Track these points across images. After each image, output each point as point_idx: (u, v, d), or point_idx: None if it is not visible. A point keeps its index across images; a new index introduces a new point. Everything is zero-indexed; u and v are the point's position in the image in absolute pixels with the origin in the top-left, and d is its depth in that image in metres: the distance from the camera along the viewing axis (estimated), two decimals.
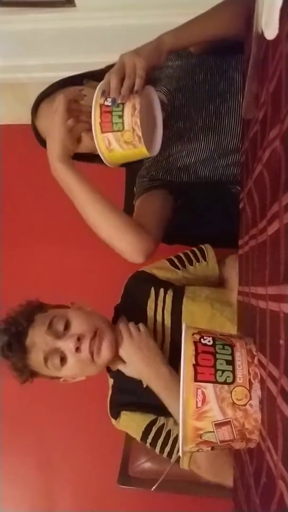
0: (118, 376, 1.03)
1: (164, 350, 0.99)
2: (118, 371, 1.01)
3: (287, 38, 0.47)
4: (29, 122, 1.04)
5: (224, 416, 0.51)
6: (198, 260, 1.10)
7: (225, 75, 0.98)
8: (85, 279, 1.68)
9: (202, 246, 1.12)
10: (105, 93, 0.82)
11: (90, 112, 0.82)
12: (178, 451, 0.91)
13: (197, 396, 0.51)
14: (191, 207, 1.15)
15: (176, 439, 0.94)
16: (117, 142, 0.82)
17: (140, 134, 0.80)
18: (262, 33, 0.57)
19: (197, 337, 0.56)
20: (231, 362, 0.52)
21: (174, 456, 0.94)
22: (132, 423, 1.00)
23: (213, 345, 0.54)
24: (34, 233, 2.04)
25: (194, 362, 0.52)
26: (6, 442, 1.95)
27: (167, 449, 0.95)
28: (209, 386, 0.51)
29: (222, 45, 1.03)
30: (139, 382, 0.99)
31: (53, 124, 0.86)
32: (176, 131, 1.01)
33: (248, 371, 0.52)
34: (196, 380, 0.51)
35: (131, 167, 1.15)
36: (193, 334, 0.57)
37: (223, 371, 0.52)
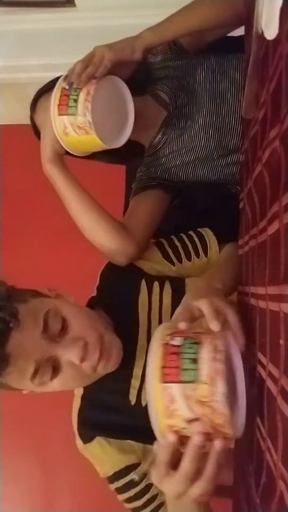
0: (95, 386, 0.81)
1: None
2: (96, 380, 0.80)
3: (287, 38, 0.47)
4: (29, 122, 1.04)
5: (193, 414, 0.51)
6: (198, 256, 0.97)
7: (226, 74, 0.98)
8: (81, 276, 1.68)
9: (204, 235, 0.99)
10: (67, 77, 0.85)
11: None
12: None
13: (165, 396, 0.51)
14: (191, 207, 1.15)
15: (153, 497, 0.79)
16: (71, 126, 0.83)
17: (90, 120, 0.81)
18: (262, 33, 0.57)
19: (168, 338, 0.56)
20: (195, 361, 0.52)
21: None
22: (103, 456, 0.83)
23: (181, 345, 0.54)
24: (33, 232, 2.04)
25: (161, 364, 0.53)
26: (7, 442, 1.95)
27: (137, 503, 0.80)
28: (175, 386, 0.51)
29: (222, 44, 1.03)
30: (127, 397, 0.83)
31: (46, 123, 0.86)
32: (177, 130, 1.01)
33: (211, 368, 0.51)
34: (163, 381, 0.52)
35: (132, 165, 1.15)
36: (166, 335, 0.57)
37: (187, 370, 0.52)
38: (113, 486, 0.83)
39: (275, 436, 0.48)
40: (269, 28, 0.54)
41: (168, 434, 0.52)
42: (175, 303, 0.87)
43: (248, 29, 0.77)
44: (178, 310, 0.65)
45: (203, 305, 0.60)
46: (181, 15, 0.89)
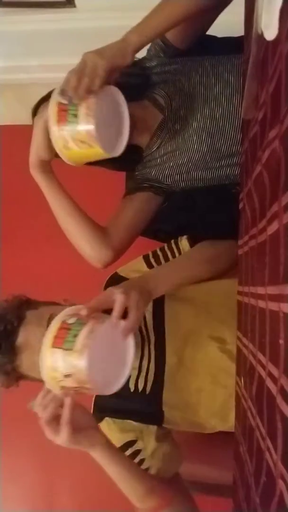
0: None
1: (150, 352, 0.97)
2: None
3: (287, 38, 0.48)
4: (30, 123, 1.04)
5: (68, 371, 0.72)
6: (173, 254, 1.07)
7: (220, 78, 0.98)
8: (82, 278, 1.68)
9: (178, 241, 1.08)
10: (63, 92, 0.83)
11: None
12: None
13: (52, 357, 0.73)
14: (192, 207, 1.16)
15: (146, 470, 0.92)
16: (73, 141, 0.82)
17: (94, 134, 0.81)
18: (262, 34, 0.57)
19: (67, 317, 0.76)
20: (76, 336, 0.72)
21: None
22: (110, 433, 0.96)
23: (73, 323, 0.75)
24: (34, 233, 2.04)
25: (54, 335, 0.74)
26: (6, 442, 1.95)
27: None
28: (58, 350, 0.73)
29: (217, 46, 1.03)
30: (127, 384, 0.96)
31: (34, 130, 0.88)
32: (172, 133, 1.02)
33: (83, 340, 0.72)
34: (51, 346, 0.73)
35: (132, 170, 1.15)
36: (67, 315, 0.77)
37: (69, 341, 0.72)
38: None
39: (274, 436, 0.48)
40: (269, 28, 0.54)
41: (55, 388, 0.76)
42: (156, 304, 1.00)
43: (248, 30, 0.77)
44: (98, 296, 0.83)
45: (118, 297, 0.79)
46: (160, 10, 0.89)
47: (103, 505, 1.79)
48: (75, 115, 0.81)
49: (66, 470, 1.96)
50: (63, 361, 0.72)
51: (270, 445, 0.50)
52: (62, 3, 1.67)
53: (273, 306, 0.50)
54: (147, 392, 0.96)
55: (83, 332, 0.73)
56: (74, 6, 1.67)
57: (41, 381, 0.89)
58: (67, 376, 0.73)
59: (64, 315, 0.77)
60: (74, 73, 0.82)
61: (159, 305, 1.00)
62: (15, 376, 0.88)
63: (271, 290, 0.51)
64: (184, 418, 0.97)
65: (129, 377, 0.96)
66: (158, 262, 1.08)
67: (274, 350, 0.49)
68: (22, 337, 0.86)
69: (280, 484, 0.46)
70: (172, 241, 1.09)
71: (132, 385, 0.97)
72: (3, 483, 1.97)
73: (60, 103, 0.82)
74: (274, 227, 0.51)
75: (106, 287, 1.08)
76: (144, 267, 1.08)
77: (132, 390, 0.96)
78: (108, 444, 0.84)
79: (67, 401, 0.77)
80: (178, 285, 0.98)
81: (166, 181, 1.06)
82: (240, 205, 0.88)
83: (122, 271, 1.09)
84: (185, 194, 1.10)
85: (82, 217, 0.97)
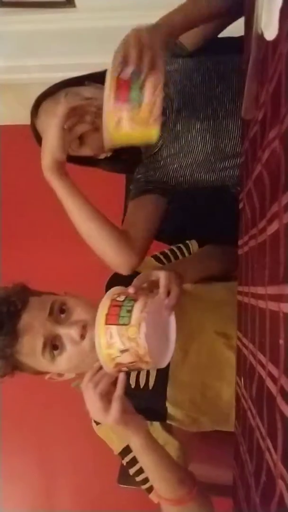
0: None
1: None
2: None
3: (287, 38, 0.48)
4: (29, 123, 1.04)
5: (125, 346, 0.72)
6: (183, 255, 1.11)
7: (222, 78, 0.98)
8: (83, 277, 1.69)
9: (188, 242, 1.13)
10: (122, 65, 0.74)
11: (97, 113, 0.81)
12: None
13: (107, 334, 0.73)
14: (191, 208, 1.16)
15: None
16: (129, 120, 0.76)
17: (157, 114, 0.75)
18: (262, 34, 0.57)
19: (116, 295, 0.78)
20: (130, 311, 0.73)
21: (146, 485, 0.93)
22: (111, 435, 0.96)
23: (123, 300, 0.76)
24: (34, 233, 2.04)
25: (106, 312, 0.75)
26: (6, 442, 1.95)
27: (142, 476, 0.93)
28: (114, 327, 0.73)
29: (219, 45, 1.03)
30: (127, 380, 0.93)
31: (48, 130, 0.85)
32: (175, 134, 1.01)
33: (139, 316, 0.72)
34: (106, 323, 0.74)
35: (131, 172, 1.14)
36: (115, 294, 0.78)
37: (124, 317, 0.73)
38: (124, 461, 0.96)
39: (274, 436, 0.48)
40: (269, 28, 0.54)
41: (108, 364, 0.75)
42: None
43: (248, 30, 0.77)
44: (139, 276, 0.85)
45: (162, 276, 0.81)
46: (194, 5, 0.88)
47: (103, 506, 1.79)
48: (140, 93, 0.74)
49: (66, 470, 1.97)
50: (119, 336, 0.72)
51: (270, 445, 0.50)
52: (62, 3, 1.67)
53: (273, 306, 0.50)
54: (150, 388, 0.95)
55: (138, 306, 0.74)
56: (74, 6, 1.68)
57: (35, 373, 0.89)
58: (123, 351, 0.73)
59: (111, 294, 0.79)
60: (132, 47, 0.74)
61: None
62: (12, 363, 0.86)
63: (271, 290, 0.51)
64: (187, 415, 0.96)
65: (129, 373, 0.96)
66: (168, 259, 1.10)
67: (274, 350, 0.49)
68: (24, 320, 0.84)
69: (280, 484, 0.46)
70: (181, 244, 1.13)
71: (133, 381, 0.96)
72: (3, 483, 1.98)
73: (119, 78, 0.74)
74: (274, 227, 0.51)
75: (109, 283, 1.07)
76: (152, 261, 1.10)
77: (133, 387, 0.95)
78: (149, 431, 0.85)
79: (121, 376, 0.78)
80: (200, 274, 1.03)
81: (171, 183, 1.06)
82: (240, 205, 0.88)
83: None
84: (185, 193, 1.10)
85: (105, 223, 0.92)
